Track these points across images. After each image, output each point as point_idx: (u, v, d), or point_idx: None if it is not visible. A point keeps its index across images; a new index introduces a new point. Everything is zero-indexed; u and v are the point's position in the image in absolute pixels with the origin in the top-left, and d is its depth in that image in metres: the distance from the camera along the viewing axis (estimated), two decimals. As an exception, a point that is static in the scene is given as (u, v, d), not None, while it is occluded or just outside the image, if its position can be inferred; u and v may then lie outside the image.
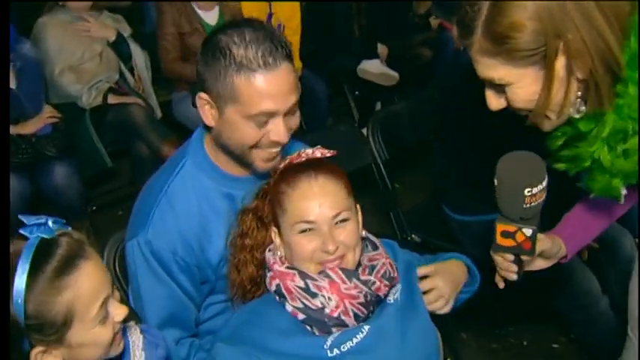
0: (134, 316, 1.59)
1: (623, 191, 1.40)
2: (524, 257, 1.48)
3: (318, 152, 1.52)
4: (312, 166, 1.50)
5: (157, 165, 1.90)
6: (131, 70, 3.86)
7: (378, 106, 4.85)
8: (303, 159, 1.50)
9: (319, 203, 1.45)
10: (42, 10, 3.64)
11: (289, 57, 1.47)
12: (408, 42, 4.90)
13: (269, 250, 1.56)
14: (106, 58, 3.73)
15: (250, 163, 1.55)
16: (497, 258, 1.49)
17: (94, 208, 3.66)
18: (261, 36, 1.43)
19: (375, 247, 1.59)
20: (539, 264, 1.60)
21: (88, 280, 1.21)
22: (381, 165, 2.77)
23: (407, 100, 3.27)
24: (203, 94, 1.51)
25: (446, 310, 1.62)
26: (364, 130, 2.88)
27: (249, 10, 4.04)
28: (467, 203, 2.44)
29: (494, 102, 1.31)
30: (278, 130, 1.48)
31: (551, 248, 1.55)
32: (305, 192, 1.46)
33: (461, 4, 1.25)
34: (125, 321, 1.33)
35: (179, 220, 1.57)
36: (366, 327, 1.45)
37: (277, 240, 1.53)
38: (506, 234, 1.42)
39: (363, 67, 4.56)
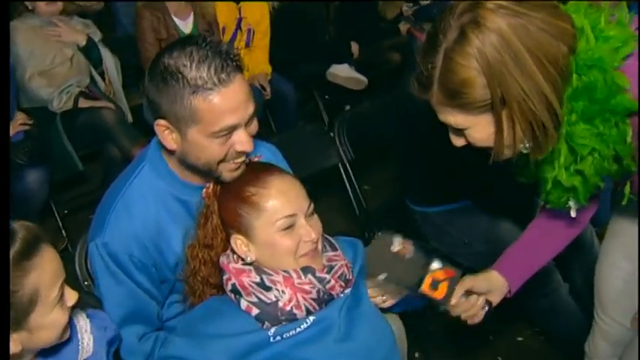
0: (94, 302, 1.65)
1: (574, 206, 1.52)
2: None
3: (249, 158, 1.60)
4: (269, 165, 1.59)
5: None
6: (102, 74, 3.87)
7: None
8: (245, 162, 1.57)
9: (295, 196, 1.52)
10: (12, 14, 3.63)
11: (240, 68, 1.47)
12: (377, 47, 4.98)
13: (223, 255, 1.60)
14: (77, 62, 3.73)
15: (218, 175, 1.57)
16: (463, 307, 1.59)
17: (66, 211, 3.66)
18: (209, 52, 1.43)
19: (334, 248, 1.63)
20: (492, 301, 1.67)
21: (50, 263, 1.27)
22: (347, 165, 2.82)
23: (373, 101, 3.31)
24: (161, 121, 1.50)
25: (386, 305, 1.66)
26: (332, 134, 2.92)
27: (221, 13, 4.08)
28: (426, 194, 2.50)
29: (457, 141, 1.42)
30: (242, 141, 1.50)
31: (477, 282, 1.62)
32: (280, 188, 1.51)
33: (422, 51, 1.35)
34: (75, 307, 1.38)
35: (135, 222, 1.60)
36: (311, 317, 1.51)
37: (243, 248, 1.54)
38: (434, 285, 1.51)
39: (332, 71, 4.61)
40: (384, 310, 1.68)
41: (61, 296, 1.30)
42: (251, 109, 1.51)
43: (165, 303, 1.74)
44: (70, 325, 1.39)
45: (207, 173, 1.58)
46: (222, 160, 1.53)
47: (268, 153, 1.84)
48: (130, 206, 1.62)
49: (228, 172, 1.56)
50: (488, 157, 1.40)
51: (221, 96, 1.43)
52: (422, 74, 1.32)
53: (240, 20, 4.19)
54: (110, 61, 3.89)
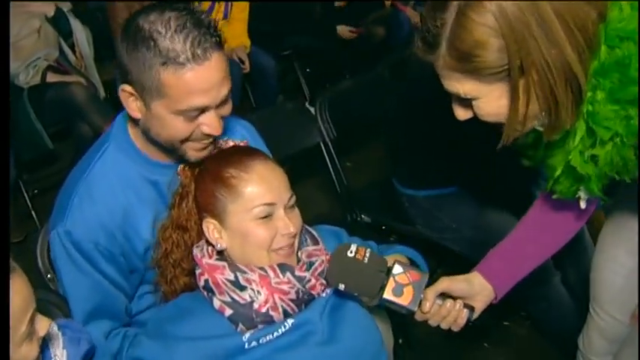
0: (58, 300, 1.54)
1: (584, 196, 1.38)
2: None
3: (232, 143, 1.52)
4: (254, 151, 1.48)
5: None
6: (72, 46, 3.73)
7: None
8: (229, 145, 1.49)
9: (277, 185, 1.43)
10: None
11: (220, 44, 1.36)
12: (361, 20, 4.87)
13: (196, 247, 1.49)
14: (45, 34, 3.58)
15: (182, 154, 1.47)
16: (439, 314, 1.43)
17: (35, 191, 3.53)
18: (188, 23, 1.32)
19: (315, 242, 1.53)
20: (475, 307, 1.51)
21: (16, 298, 1.11)
22: (329, 144, 2.73)
23: (355, 78, 3.24)
24: (127, 87, 1.39)
25: (373, 303, 1.55)
26: (314, 108, 2.83)
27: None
28: (416, 177, 2.45)
29: (461, 113, 1.27)
30: (211, 123, 1.40)
31: (451, 285, 1.46)
32: (263, 175, 1.42)
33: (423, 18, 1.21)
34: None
35: (99, 208, 1.49)
36: (290, 321, 1.41)
37: (215, 234, 1.45)
38: (397, 290, 1.39)
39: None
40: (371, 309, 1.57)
41: (32, 328, 1.16)
42: (225, 90, 1.39)
43: (135, 295, 1.64)
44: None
45: (170, 151, 1.48)
46: (187, 140, 1.43)
47: (244, 130, 1.75)
48: (94, 190, 1.50)
49: (193, 151, 1.46)
50: (491, 134, 1.25)
51: (193, 73, 1.32)
52: (428, 32, 1.17)
53: (217, -9, 4.07)
54: (81, 33, 3.75)
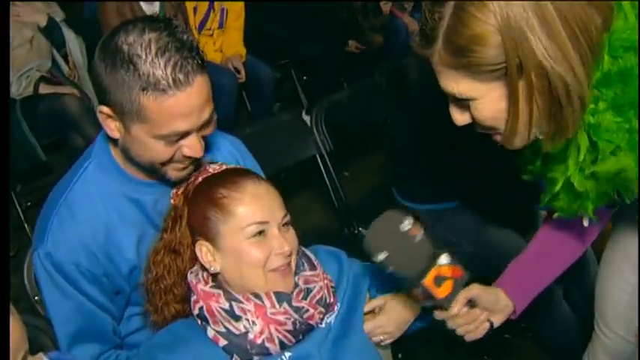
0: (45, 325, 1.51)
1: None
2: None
3: (229, 167, 1.49)
4: (246, 170, 1.47)
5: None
6: (65, 57, 3.69)
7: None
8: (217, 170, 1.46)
9: (270, 204, 1.40)
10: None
11: (202, 67, 1.32)
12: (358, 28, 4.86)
13: (191, 273, 1.45)
14: (37, 44, 3.54)
15: (163, 174, 1.44)
16: (464, 319, 1.40)
17: (29, 203, 3.47)
18: (170, 45, 1.27)
19: (313, 267, 1.48)
20: (494, 320, 1.49)
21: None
22: (325, 156, 2.70)
23: (351, 87, 3.21)
24: (104, 108, 1.35)
25: (386, 343, 1.54)
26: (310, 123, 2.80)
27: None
28: (417, 191, 2.41)
29: (459, 117, 1.22)
30: (191, 146, 1.37)
31: (482, 294, 1.44)
32: (255, 193, 1.39)
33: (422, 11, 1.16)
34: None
35: (80, 228, 1.45)
36: (287, 354, 1.37)
37: (208, 257, 1.40)
38: (438, 281, 1.33)
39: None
40: None
41: None
42: (206, 114, 1.36)
43: (123, 316, 1.60)
44: None
45: (150, 171, 1.45)
46: (168, 162, 1.39)
47: (231, 147, 1.71)
48: (75, 210, 1.46)
49: (174, 171, 1.43)
50: (492, 148, 1.21)
51: (174, 100, 1.28)
52: (426, 25, 1.13)
53: (212, 0, 4.03)
54: (74, 43, 3.70)
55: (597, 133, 1.16)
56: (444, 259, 1.33)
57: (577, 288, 2.37)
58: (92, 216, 1.47)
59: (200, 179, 1.45)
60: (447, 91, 1.18)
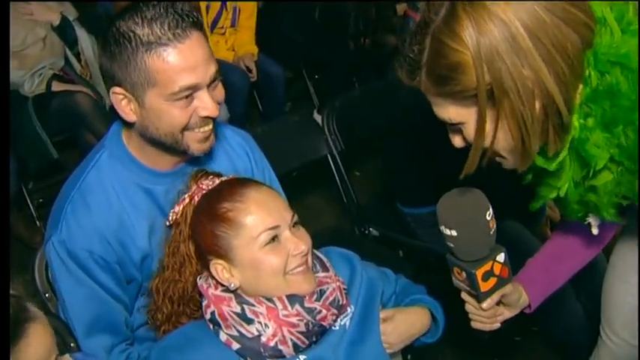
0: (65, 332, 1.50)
1: (595, 222, 1.36)
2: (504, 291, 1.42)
3: (221, 179, 1.47)
4: (244, 179, 1.46)
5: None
6: (77, 55, 3.70)
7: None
8: (216, 183, 1.44)
9: (276, 207, 1.38)
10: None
11: (198, 24, 1.38)
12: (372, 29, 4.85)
13: (200, 278, 1.44)
14: (50, 43, 3.55)
15: (185, 148, 1.45)
16: (488, 313, 1.44)
17: (40, 200, 3.51)
18: (162, 10, 1.34)
19: (325, 268, 1.46)
20: (505, 314, 1.53)
21: (37, 346, 1.09)
22: (337, 156, 2.70)
23: (363, 88, 3.21)
24: (117, 89, 1.39)
25: (390, 351, 1.53)
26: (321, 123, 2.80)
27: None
28: (415, 195, 2.42)
29: (456, 141, 1.26)
30: (205, 104, 1.40)
31: (512, 292, 1.47)
32: (259, 200, 1.37)
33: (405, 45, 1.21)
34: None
35: (94, 216, 1.47)
36: (302, 357, 1.36)
37: (225, 274, 1.38)
38: (486, 275, 1.36)
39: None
40: None
41: None
42: (212, 69, 1.40)
43: (134, 308, 1.60)
44: None
45: (172, 148, 1.46)
46: (186, 129, 1.41)
47: (241, 139, 1.73)
48: (88, 198, 1.49)
49: (195, 142, 1.45)
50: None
51: (177, 52, 1.34)
52: (409, 58, 1.18)
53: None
54: (86, 42, 3.70)
55: (586, 149, 1.17)
56: (500, 257, 1.36)
57: (586, 290, 2.35)
58: (105, 204, 1.49)
59: (196, 198, 1.44)
60: (439, 117, 1.22)
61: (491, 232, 1.32)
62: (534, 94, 1.08)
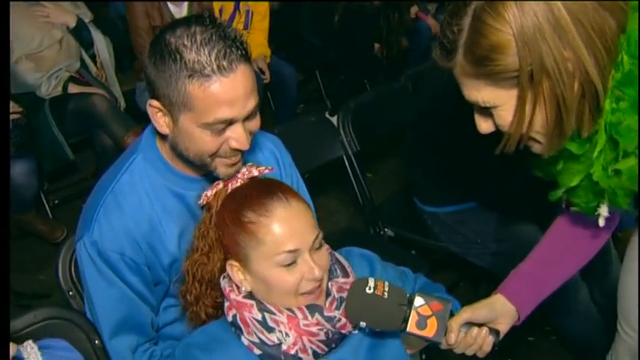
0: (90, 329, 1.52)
1: (604, 213, 1.35)
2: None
3: (256, 170, 1.46)
4: (274, 188, 1.39)
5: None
6: (93, 57, 3.72)
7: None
8: (245, 179, 1.44)
9: (300, 228, 1.34)
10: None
11: (246, 57, 1.35)
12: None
13: (223, 278, 1.44)
14: (67, 45, 3.56)
15: (212, 170, 1.45)
16: (465, 343, 1.39)
17: (56, 201, 3.55)
18: (214, 35, 1.31)
19: (346, 274, 1.45)
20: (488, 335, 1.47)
21: None
22: (352, 157, 2.70)
23: (377, 90, 3.21)
24: (154, 102, 1.39)
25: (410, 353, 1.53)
26: (335, 118, 2.80)
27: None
28: (436, 194, 2.42)
29: (484, 125, 1.25)
30: (238, 138, 1.38)
31: (477, 311, 1.42)
32: (284, 218, 1.33)
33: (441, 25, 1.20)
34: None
35: (126, 218, 1.49)
36: None
37: (239, 276, 1.39)
38: (421, 323, 1.33)
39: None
40: None
41: None
42: (252, 103, 1.37)
43: (160, 307, 1.62)
44: None
45: (199, 166, 1.46)
46: (215, 155, 1.41)
47: (272, 145, 1.73)
48: (121, 201, 1.50)
49: (223, 167, 1.44)
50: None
51: (219, 85, 1.31)
52: (446, 38, 1.17)
53: (238, 1, 4.05)
54: (102, 44, 3.72)
55: (618, 132, 1.17)
56: (418, 301, 1.34)
57: (600, 288, 2.36)
58: (137, 207, 1.50)
59: (230, 186, 1.44)
60: (471, 100, 1.21)
61: (386, 296, 1.32)
62: (574, 75, 1.09)
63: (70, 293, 1.70)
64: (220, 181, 1.46)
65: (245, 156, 1.47)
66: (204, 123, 1.35)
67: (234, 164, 1.44)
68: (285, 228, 1.32)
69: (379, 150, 3.76)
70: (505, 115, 1.18)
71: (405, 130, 2.68)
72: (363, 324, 1.33)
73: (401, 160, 3.17)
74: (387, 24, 4.56)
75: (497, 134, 1.25)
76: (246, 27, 4.11)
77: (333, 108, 4.48)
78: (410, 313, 1.33)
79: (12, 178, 3.05)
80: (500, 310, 1.45)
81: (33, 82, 3.42)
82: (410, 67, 3.36)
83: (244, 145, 1.39)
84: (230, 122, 1.37)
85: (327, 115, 4.17)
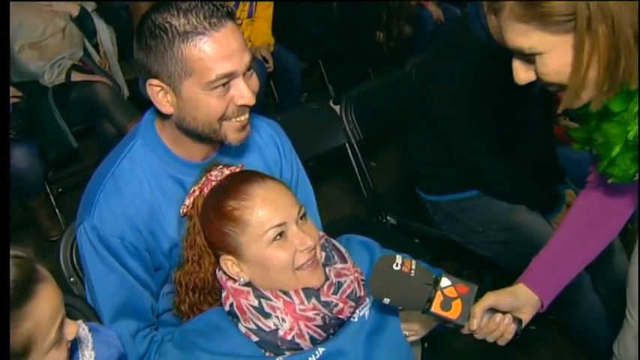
0: (91, 314, 1.52)
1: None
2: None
3: (227, 170, 1.48)
4: (248, 174, 1.44)
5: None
6: (96, 46, 3.71)
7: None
8: (219, 180, 1.45)
9: (282, 203, 1.38)
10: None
11: (231, 15, 1.39)
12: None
13: (219, 269, 1.45)
14: (70, 33, 3.55)
15: (223, 138, 1.47)
16: (487, 329, 1.38)
17: (60, 189, 3.53)
18: (197, 1, 1.36)
19: (343, 259, 1.47)
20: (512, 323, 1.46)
21: (46, 306, 1.10)
22: (355, 145, 2.70)
23: (380, 78, 3.20)
24: (153, 81, 1.41)
25: (412, 339, 1.53)
26: (338, 107, 2.81)
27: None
28: (437, 182, 2.42)
29: (523, 75, 1.21)
30: (242, 92, 1.41)
31: (502, 298, 1.41)
32: (264, 197, 1.37)
33: None
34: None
35: (126, 203, 1.49)
36: (321, 349, 1.36)
37: (235, 269, 1.40)
38: (446, 304, 1.32)
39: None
40: None
41: (61, 333, 1.14)
42: (247, 57, 1.41)
43: (160, 294, 1.63)
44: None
45: (209, 138, 1.47)
46: (223, 118, 1.42)
47: (270, 130, 1.74)
48: (121, 186, 1.51)
49: (233, 132, 1.46)
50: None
51: (213, 40, 1.35)
52: None
53: (241, -11, 4.03)
54: (105, 33, 3.72)
55: None
56: (444, 282, 1.33)
57: (603, 278, 2.35)
58: (137, 192, 1.51)
59: (205, 190, 1.46)
60: (515, 46, 1.16)
61: (413, 274, 1.31)
62: (631, 23, 1.05)
63: (72, 280, 1.71)
64: (196, 187, 1.48)
65: (245, 144, 1.49)
66: (207, 83, 1.37)
67: (243, 127, 1.47)
68: (267, 205, 1.36)
69: (382, 138, 3.75)
70: (549, 63, 1.14)
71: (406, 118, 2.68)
72: (387, 300, 1.32)
73: (403, 148, 3.16)
74: (386, 11, 4.53)
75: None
76: (250, 15, 4.09)
77: (337, 96, 4.46)
78: (435, 293, 1.32)
79: (14, 162, 3.07)
80: (524, 299, 1.44)
81: (36, 71, 3.41)
82: (415, 55, 3.33)
83: (250, 99, 1.42)
84: (231, 77, 1.39)
85: (330, 104, 4.17)
